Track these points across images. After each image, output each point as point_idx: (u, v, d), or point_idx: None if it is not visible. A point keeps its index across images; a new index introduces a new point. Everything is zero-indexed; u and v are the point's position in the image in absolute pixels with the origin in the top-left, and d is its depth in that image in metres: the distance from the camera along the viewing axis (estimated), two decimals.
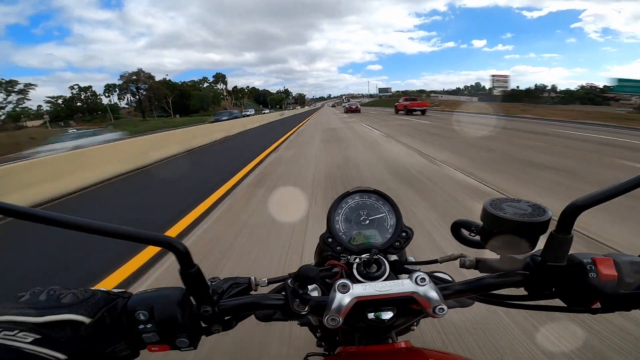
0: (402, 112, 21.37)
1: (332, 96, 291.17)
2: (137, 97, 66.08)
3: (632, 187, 0.29)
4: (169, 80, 73.46)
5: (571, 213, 0.31)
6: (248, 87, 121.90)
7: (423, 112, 20.00)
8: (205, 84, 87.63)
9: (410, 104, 20.59)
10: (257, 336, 1.28)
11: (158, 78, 68.81)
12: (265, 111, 58.89)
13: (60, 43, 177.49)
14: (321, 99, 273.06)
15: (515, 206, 0.35)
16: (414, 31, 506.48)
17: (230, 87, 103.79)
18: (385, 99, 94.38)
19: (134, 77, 64.70)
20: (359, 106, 32.70)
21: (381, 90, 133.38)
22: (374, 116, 22.18)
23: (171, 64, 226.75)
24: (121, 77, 66.68)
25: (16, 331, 0.27)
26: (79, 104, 63.55)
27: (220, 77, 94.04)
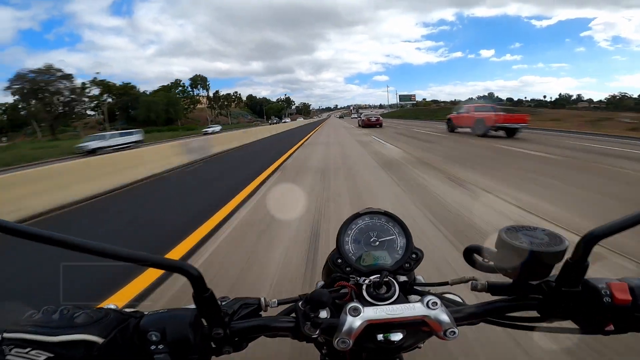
0: (470, 130, 13.28)
1: (339, 107, 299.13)
2: (21, 103, 47.74)
3: None
4: (104, 80, 59.69)
5: (588, 242, 0.36)
6: (237, 93, 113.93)
7: (511, 132, 11.94)
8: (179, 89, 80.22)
9: (497, 118, 11.83)
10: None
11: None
12: (211, 129, 44.75)
13: (72, 49, 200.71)
14: (328, 109, 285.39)
15: (531, 235, 0.41)
16: (421, 41, 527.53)
17: (238, 95, 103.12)
18: (410, 109, 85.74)
19: (38, 77, 46.73)
20: (381, 118, 26.12)
21: (402, 97, 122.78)
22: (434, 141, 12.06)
23: (179, 72, 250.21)
24: (16, 78, 46.05)
25: (28, 349, 0.31)
26: (23, 112, 54.24)
27: (199, 80, 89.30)
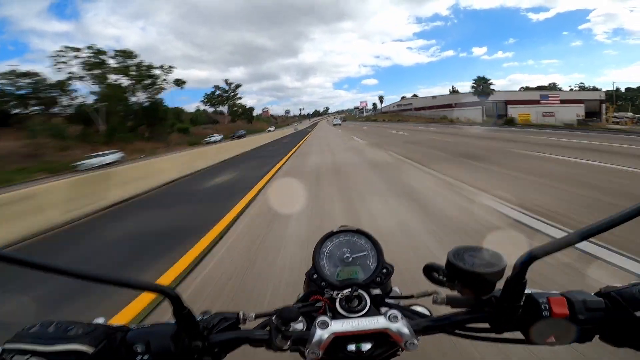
0: None
1: (330, 111, 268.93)
2: None
3: (585, 237, 0.37)
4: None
5: (524, 262, 0.41)
6: None
7: None
8: None
9: None
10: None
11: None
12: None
13: (22, 60, 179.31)
14: (316, 114, 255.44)
15: (475, 255, 0.46)
16: (413, 40, 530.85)
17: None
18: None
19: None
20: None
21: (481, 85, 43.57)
22: None
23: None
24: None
25: (27, 356, 0.37)
26: None
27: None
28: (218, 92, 76.91)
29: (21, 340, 0.38)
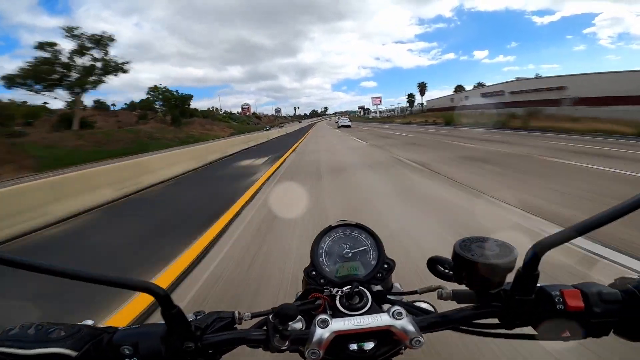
0: None
1: (329, 112, 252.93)
2: None
3: (597, 226, 0.35)
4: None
5: (536, 253, 0.39)
6: None
7: None
8: None
9: None
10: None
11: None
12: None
13: (12, 56, 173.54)
14: (314, 114, 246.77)
15: (483, 246, 0.44)
16: (414, 42, 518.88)
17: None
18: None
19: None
20: None
21: None
22: None
23: (149, 79, 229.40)
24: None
25: None
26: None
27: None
28: (59, 56, 30.86)
29: None
